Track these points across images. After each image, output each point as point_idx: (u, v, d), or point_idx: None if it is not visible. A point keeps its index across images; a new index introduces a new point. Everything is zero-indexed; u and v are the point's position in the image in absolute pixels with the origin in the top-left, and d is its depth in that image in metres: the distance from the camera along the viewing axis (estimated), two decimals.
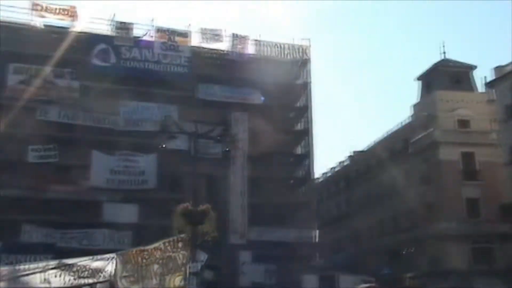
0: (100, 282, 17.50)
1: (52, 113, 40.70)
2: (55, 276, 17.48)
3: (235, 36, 46.46)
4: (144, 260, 16.20)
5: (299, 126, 47.65)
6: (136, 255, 16.35)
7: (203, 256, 16.37)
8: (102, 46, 43.42)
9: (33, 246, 32.68)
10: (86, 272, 17.26)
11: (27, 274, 18.16)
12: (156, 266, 16.05)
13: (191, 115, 42.37)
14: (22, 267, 18.89)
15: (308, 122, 46.37)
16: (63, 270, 17.47)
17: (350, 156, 67.49)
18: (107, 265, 16.96)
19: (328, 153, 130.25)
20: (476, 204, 47.64)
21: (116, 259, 16.54)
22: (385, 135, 58.80)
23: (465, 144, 48.25)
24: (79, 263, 17.53)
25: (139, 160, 41.38)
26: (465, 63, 53.61)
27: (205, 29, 46.12)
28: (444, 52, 53.67)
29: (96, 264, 17.13)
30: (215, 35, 45.89)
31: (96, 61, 42.99)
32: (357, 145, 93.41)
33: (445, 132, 48.68)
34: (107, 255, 17.27)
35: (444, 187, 47.42)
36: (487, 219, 46.55)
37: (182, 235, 15.79)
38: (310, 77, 47.50)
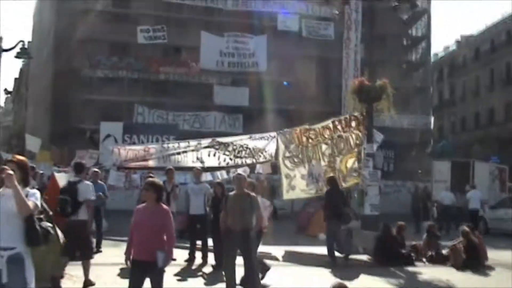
0: (260, 163, 16.58)
1: None
2: (209, 155, 16.65)
3: None
4: (310, 140, 15.04)
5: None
6: (301, 134, 15.18)
7: (378, 137, 14.94)
8: None
9: (155, 127, 32.47)
10: (244, 152, 16.31)
11: (178, 153, 17.47)
12: (324, 147, 14.87)
13: None
14: (171, 145, 18.21)
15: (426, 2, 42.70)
16: (217, 149, 16.60)
17: (457, 41, 63.43)
18: (268, 144, 15.93)
19: (437, 38, 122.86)
20: None
21: (277, 139, 15.49)
22: (503, 17, 54.20)
23: None
24: (235, 142, 16.59)
25: (249, 42, 39.63)
26: None
27: None
28: None
29: (255, 143, 16.12)
30: None
31: None
32: (467, 30, 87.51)
33: None
34: (267, 134, 16.21)
35: None
36: None
37: (356, 113, 14.37)
38: None
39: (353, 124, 14.63)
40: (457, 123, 61.01)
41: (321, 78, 40.68)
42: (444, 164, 28.10)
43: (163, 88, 39.26)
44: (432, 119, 47.97)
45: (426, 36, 43.55)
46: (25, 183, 4.99)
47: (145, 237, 6.22)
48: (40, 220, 4.99)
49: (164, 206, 6.63)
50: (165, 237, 6.28)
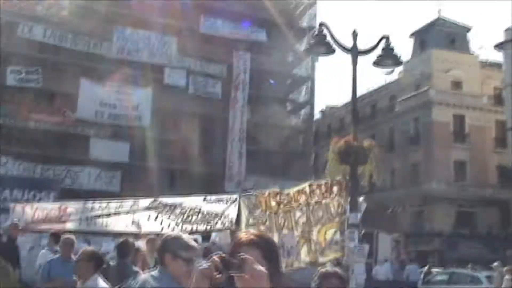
0: (217, 230, 14.20)
1: (36, 32, 35.42)
2: (148, 219, 14.01)
3: None
4: (281, 206, 13.07)
5: (300, 72, 44.64)
6: (270, 198, 13.13)
7: (362, 206, 13.30)
8: None
9: (30, 181, 28.11)
10: (195, 217, 13.86)
11: (108, 215, 14.62)
12: (298, 214, 12.92)
13: (191, 50, 38.75)
14: (97, 205, 15.22)
15: (310, 68, 43.25)
16: (160, 212, 14.01)
17: (321, 111, 65.62)
18: (227, 208, 13.65)
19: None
20: (463, 167, 47.37)
21: (239, 202, 13.33)
22: (368, 91, 56.99)
23: (457, 106, 47.55)
24: (184, 204, 14.10)
25: (133, 94, 37.02)
26: (461, 24, 52.35)
27: None
28: (439, 10, 52.63)
29: (211, 207, 13.72)
30: None
31: None
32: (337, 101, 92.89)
33: (439, 93, 47.62)
34: (227, 196, 13.91)
35: (434, 148, 46.54)
36: (472, 183, 46.44)
37: (339, 178, 12.70)
38: (315, 21, 44.20)
39: (335, 189, 12.85)
40: None
41: (204, 137, 38.95)
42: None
43: (32, 137, 34.92)
44: None
45: (309, 102, 44.07)
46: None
47: None
48: None
49: None
50: None
